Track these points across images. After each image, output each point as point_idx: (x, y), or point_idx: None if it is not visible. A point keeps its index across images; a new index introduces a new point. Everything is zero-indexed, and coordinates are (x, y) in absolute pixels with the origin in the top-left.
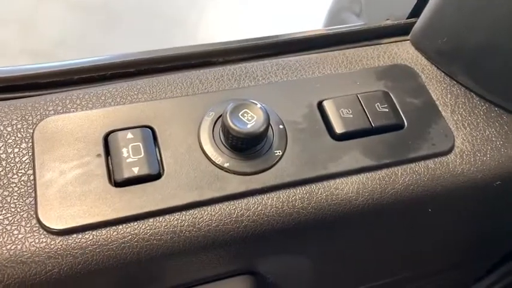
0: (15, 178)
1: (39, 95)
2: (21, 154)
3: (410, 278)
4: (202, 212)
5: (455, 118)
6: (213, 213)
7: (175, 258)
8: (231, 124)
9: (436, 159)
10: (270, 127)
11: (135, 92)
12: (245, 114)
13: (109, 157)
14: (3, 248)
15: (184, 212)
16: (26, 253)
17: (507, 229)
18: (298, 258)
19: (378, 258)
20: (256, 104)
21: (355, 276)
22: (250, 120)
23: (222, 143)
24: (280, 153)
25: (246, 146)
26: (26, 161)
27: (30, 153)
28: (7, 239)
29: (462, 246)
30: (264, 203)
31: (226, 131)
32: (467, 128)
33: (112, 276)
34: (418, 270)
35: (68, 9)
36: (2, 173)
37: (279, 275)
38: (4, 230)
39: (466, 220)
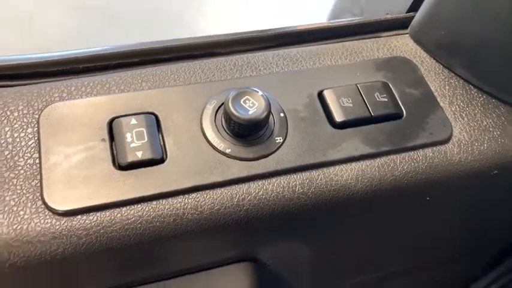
0: (21, 161)
1: (44, 82)
2: (27, 138)
3: (408, 270)
4: (205, 195)
5: (453, 109)
6: (215, 197)
7: (178, 240)
8: (233, 110)
9: (434, 148)
10: (271, 115)
11: (139, 81)
12: (247, 101)
13: (113, 142)
14: (10, 228)
15: (187, 196)
16: (31, 233)
17: (504, 220)
18: (298, 245)
19: (376, 246)
20: (258, 91)
21: (354, 265)
22: (252, 107)
23: (224, 129)
24: (281, 140)
25: (248, 133)
26: (32, 145)
27: (36, 138)
28: (13, 219)
29: (460, 237)
30: (265, 188)
31: (228, 117)
32: (465, 119)
33: (115, 258)
34: (415, 262)
35: (68, 8)
36: (8, 156)
37: (279, 262)
38: (11, 211)
39: (464, 209)
